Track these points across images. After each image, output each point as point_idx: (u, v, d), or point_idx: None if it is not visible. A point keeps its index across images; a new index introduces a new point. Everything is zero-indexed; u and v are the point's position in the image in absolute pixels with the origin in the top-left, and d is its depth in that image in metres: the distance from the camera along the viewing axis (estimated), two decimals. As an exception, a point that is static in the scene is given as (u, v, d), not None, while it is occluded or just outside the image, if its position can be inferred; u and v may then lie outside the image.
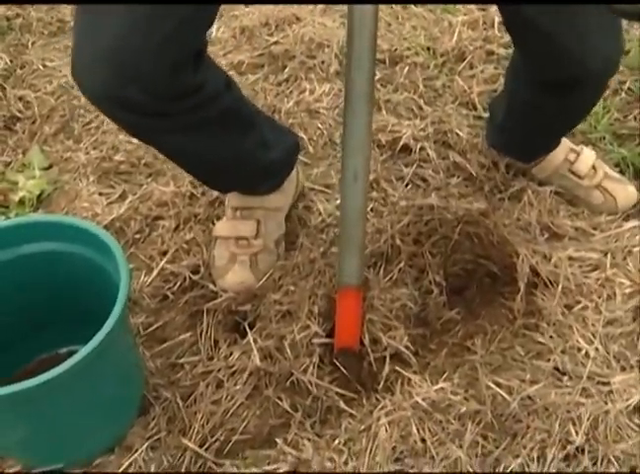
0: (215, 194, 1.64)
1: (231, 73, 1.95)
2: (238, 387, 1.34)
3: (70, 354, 1.38)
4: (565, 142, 1.67)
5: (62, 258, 1.29)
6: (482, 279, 1.50)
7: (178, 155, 1.37)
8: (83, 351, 1.10)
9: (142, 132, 1.26)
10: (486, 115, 1.82)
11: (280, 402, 1.33)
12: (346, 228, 1.30)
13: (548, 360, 1.38)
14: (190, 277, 1.50)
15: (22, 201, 1.66)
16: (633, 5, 0.89)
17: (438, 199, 1.57)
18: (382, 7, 2.24)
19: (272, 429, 1.31)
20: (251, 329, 1.41)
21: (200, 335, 1.42)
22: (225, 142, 1.34)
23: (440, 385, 1.34)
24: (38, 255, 1.29)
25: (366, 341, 1.38)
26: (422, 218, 1.53)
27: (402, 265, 1.47)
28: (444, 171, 1.71)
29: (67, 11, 2.21)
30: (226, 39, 2.12)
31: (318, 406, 1.33)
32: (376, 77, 1.97)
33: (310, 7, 2.23)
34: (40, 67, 2.03)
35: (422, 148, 1.76)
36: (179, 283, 1.49)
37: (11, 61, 2.04)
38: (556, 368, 1.37)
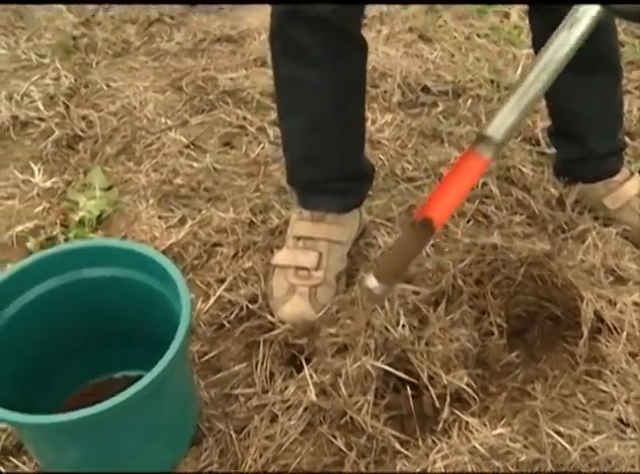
0: (275, 222, 1.64)
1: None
2: (292, 422, 1.33)
3: (125, 379, 1.39)
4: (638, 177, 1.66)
5: (120, 283, 1.29)
6: (544, 322, 1.47)
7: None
8: (146, 378, 1.10)
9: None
10: (550, 150, 1.80)
11: (334, 440, 1.31)
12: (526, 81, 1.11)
13: (611, 410, 1.34)
14: (247, 307, 1.49)
15: (82, 222, 1.67)
16: (632, 5, 0.90)
17: (501, 239, 1.54)
18: (446, 37, 2.24)
19: (325, 467, 1.29)
20: (307, 362, 1.39)
21: (256, 366, 1.41)
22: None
23: (499, 431, 1.31)
24: (96, 279, 1.29)
25: (424, 377, 1.36)
26: (484, 258, 1.50)
27: (463, 305, 1.44)
28: (507, 208, 1.69)
29: (132, 31, 2.24)
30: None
31: (373, 446, 1.31)
32: (439, 109, 1.97)
33: (373, 34, 2.23)
34: (104, 87, 2.05)
35: (484, 184, 1.74)
36: (236, 312, 1.49)
37: (75, 80, 2.06)
38: (620, 419, 1.33)
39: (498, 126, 1.08)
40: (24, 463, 1.29)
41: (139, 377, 1.33)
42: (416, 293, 1.47)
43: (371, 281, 1.13)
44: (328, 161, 1.49)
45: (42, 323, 1.29)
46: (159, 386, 1.12)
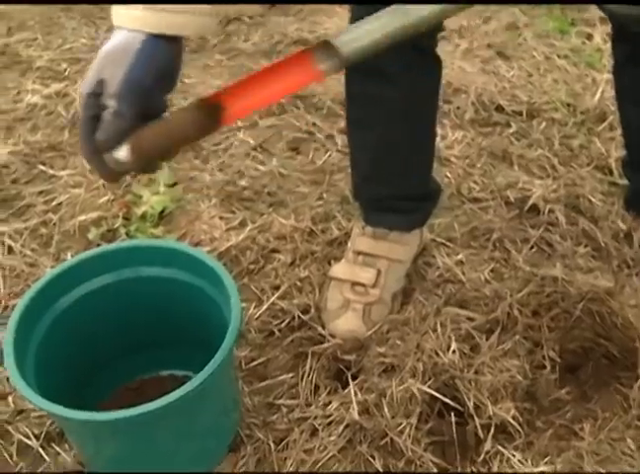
0: (335, 233, 1.63)
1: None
2: (332, 438, 1.32)
3: (172, 377, 1.40)
4: None
5: (175, 284, 1.30)
6: (599, 361, 1.43)
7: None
8: (193, 382, 1.10)
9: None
10: (622, 182, 1.75)
11: (372, 460, 1.30)
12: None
13: (661, 459, 1.30)
14: (299, 316, 1.48)
15: (144, 216, 1.69)
16: (632, 7, 0.87)
17: (562, 271, 1.51)
18: (525, 56, 2.19)
19: (361, 487, 1.29)
20: (353, 379, 1.38)
21: (302, 378, 1.40)
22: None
23: (541, 468, 1.28)
24: (152, 278, 1.30)
25: (470, 405, 1.34)
26: (544, 289, 1.47)
27: (517, 335, 1.41)
28: (572, 238, 1.65)
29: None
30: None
31: (411, 470, 1.30)
32: (511, 130, 1.93)
33: (450, 48, 2.20)
34: (178, 82, 2.05)
35: (551, 211, 1.70)
36: (287, 321, 1.48)
37: (151, 73, 2.07)
38: (669, 470, 1.29)
39: (350, 41, 0.89)
40: (65, 451, 1.31)
41: (186, 377, 1.36)
42: (470, 319, 1.45)
43: (123, 153, 0.90)
44: (395, 179, 1.47)
45: (97, 316, 1.30)
46: (205, 389, 1.12)
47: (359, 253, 1.51)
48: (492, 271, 1.57)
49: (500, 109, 1.98)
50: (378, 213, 1.51)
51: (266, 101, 0.93)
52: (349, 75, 1.43)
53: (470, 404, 1.35)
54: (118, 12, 0.91)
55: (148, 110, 0.91)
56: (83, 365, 1.32)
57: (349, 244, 1.55)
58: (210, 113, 0.89)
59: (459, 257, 1.60)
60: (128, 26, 0.90)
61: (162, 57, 0.92)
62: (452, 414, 1.35)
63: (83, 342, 1.31)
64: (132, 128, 0.89)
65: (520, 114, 1.96)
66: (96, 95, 0.91)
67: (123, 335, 1.35)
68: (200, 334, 1.32)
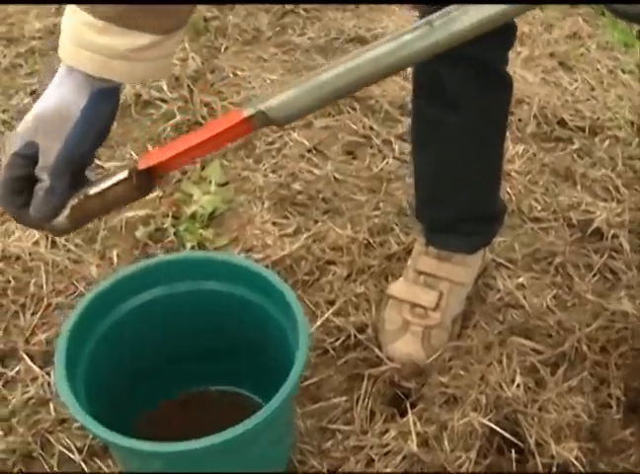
0: (394, 247, 1.55)
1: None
2: (389, 470, 1.24)
3: (220, 392, 1.33)
4: None
5: (234, 299, 1.23)
6: (665, 402, 1.36)
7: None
8: (265, 410, 1.03)
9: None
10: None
11: (429, 496, 1.23)
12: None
13: None
14: (355, 335, 1.41)
15: (193, 216, 1.61)
16: (634, 6, 0.83)
17: (632, 306, 1.43)
18: (588, 68, 2.10)
19: (417, 523, 1.22)
20: (412, 407, 1.31)
21: (357, 402, 1.32)
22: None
23: (605, 515, 1.22)
24: (211, 292, 1.22)
25: (532, 442, 1.27)
26: (613, 324, 1.39)
27: (585, 372, 1.34)
28: (637, 267, 1.57)
29: (265, 20, 2.15)
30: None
31: (470, 510, 1.23)
32: (574, 147, 1.84)
33: (512, 56, 2.10)
34: (230, 75, 1.97)
35: (615, 236, 1.62)
36: (342, 339, 1.40)
37: (202, 64, 1.99)
38: None
39: (280, 107, 0.87)
40: (108, 466, 1.25)
41: (236, 394, 1.30)
42: (535, 351, 1.37)
43: (59, 220, 0.91)
44: (461, 201, 1.39)
45: (149, 327, 1.23)
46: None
47: (420, 273, 1.43)
48: (554, 297, 1.49)
49: (562, 123, 1.88)
50: (442, 235, 1.42)
51: (192, 153, 0.92)
52: (416, 95, 1.35)
53: (532, 441, 1.28)
54: (64, 47, 0.86)
55: (80, 171, 0.90)
56: (130, 375, 1.25)
57: (409, 262, 1.47)
58: (142, 179, 0.90)
59: (520, 280, 1.51)
60: (74, 65, 0.85)
61: (103, 119, 0.89)
62: (513, 450, 1.29)
63: (133, 352, 1.24)
64: (66, 199, 0.89)
65: (583, 130, 1.87)
66: (24, 157, 0.87)
67: (173, 346, 1.27)
68: (256, 352, 1.25)
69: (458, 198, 1.38)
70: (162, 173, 0.93)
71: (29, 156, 0.87)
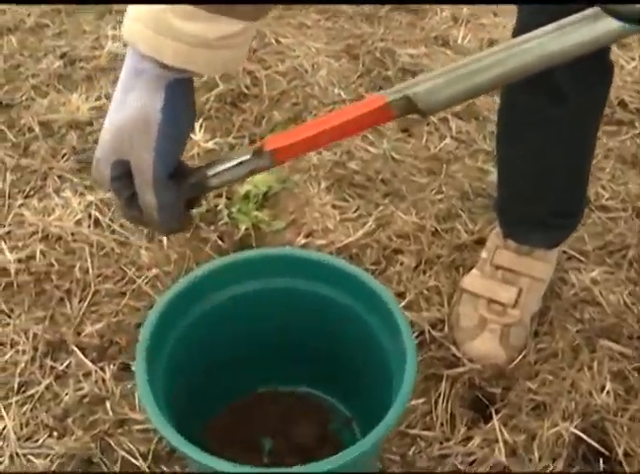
0: (463, 236, 1.43)
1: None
2: (476, 480, 1.15)
3: (292, 393, 1.22)
4: None
5: (320, 299, 1.11)
6: None
7: None
8: (358, 447, 0.91)
9: None
10: None
11: (517, 508, 1.14)
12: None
13: None
14: (429, 332, 1.30)
15: (247, 196, 1.48)
16: (629, 5, 0.77)
17: None
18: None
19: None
20: (496, 413, 1.21)
21: (435, 405, 1.22)
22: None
23: None
24: (298, 291, 1.10)
25: (620, 452, 1.18)
26: None
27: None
28: None
29: (305, -17, 2.00)
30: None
31: (557, 523, 1.14)
32: (637, 131, 1.73)
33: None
34: (273, 42, 1.83)
35: None
36: (416, 335, 1.29)
37: (243, 28, 1.84)
38: None
39: (430, 96, 0.77)
40: (174, 473, 1.14)
41: (309, 394, 1.19)
42: (622, 355, 1.28)
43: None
44: (552, 196, 1.27)
45: (227, 326, 1.11)
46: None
47: (498, 267, 1.32)
48: (630, 294, 1.40)
49: (623, 105, 1.78)
50: (525, 229, 1.31)
51: (323, 142, 0.82)
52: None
53: (620, 451, 1.19)
54: (141, 35, 0.73)
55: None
56: (206, 374, 1.13)
57: (484, 254, 1.36)
58: (264, 160, 0.80)
59: (593, 274, 1.41)
60: (153, 54, 0.73)
61: (184, 113, 0.78)
62: (601, 460, 1.20)
63: (207, 352, 1.12)
64: (180, 203, 0.80)
65: (645, 112, 1.77)
66: (119, 178, 0.77)
67: (247, 346, 1.16)
68: (337, 354, 1.14)
69: (550, 193, 1.27)
70: (286, 157, 0.81)
71: (123, 175, 0.76)
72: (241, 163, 0.80)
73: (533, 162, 1.25)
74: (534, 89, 1.17)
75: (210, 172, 0.80)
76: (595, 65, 1.17)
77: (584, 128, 1.24)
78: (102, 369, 1.24)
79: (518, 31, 1.15)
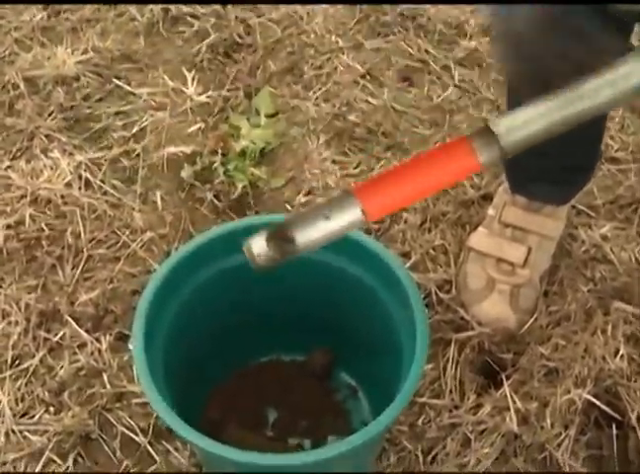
0: (469, 192, 1.35)
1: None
2: (486, 450, 1.09)
3: (293, 362, 1.16)
4: None
5: (331, 270, 1.04)
6: None
7: None
8: (369, 430, 0.85)
9: None
10: None
11: (529, 476, 1.09)
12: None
13: None
14: (436, 293, 1.23)
15: (243, 152, 1.39)
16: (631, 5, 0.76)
17: None
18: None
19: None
20: (506, 379, 1.15)
21: (444, 371, 1.16)
22: None
23: None
24: (311, 262, 1.03)
25: (633, 417, 1.12)
26: None
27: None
28: None
29: None
30: None
31: (569, 490, 1.09)
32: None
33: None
34: (267, -14, 1.71)
35: None
36: (422, 298, 1.23)
37: (234, -27, 1.72)
38: None
39: (512, 128, 0.70)
40: (177, 449, 1.08)
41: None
42: (636, 317, 1.21)
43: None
44: (564, 149, 1.18)
45: (229, 294, 1.05)
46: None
47: (506, 225, 1.25)
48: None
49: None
50: (535, 184, 1.23)
51: (414, 198, 0.74)
52: None
53: (633, 416, 1.13)
54: None
55: None
56: (206, 345, 1.07)
57: (490, 211, 1.28)
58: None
59: (603, 231, 1.34)
60: None
61: None
62: (614, 425, 1.14)
63: (210, 319, 1.06)
64: None
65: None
66: None
67: (251, 314, 1.09)
68: (344, 323, 1.08)
69: (564, 146, 1.18)
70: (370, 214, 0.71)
71: None
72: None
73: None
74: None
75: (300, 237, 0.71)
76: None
77: None
78: (97, 340, 1.17)
79: None
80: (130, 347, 1.06)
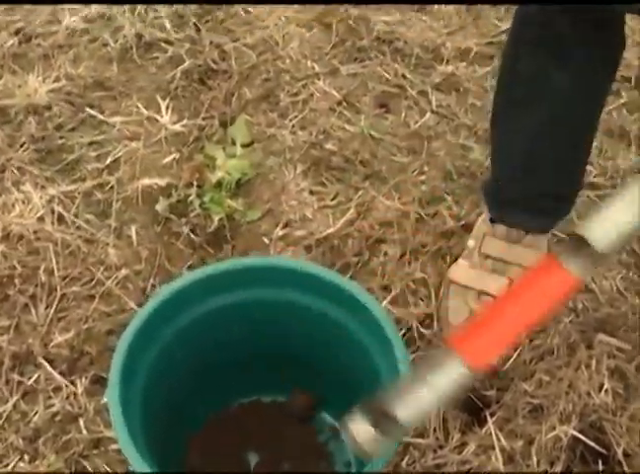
0: (448, 222, 1.33)
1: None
2: (472, 491, 1.07)
3: (274, 404, 1.12)
4: None
5: (311, 312, 1.01)
6: None
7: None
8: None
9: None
10: None
11: (514, 517, 1.06)
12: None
13: None
14: (417, 329, 1.21)
15: (219, 184, 1.36)
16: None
17: None
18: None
19: None
20: (491, 416, 1.13)
21: (427, 408, 1.14)
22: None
23: None
24: (289, 303, 1.00)
25: (619, 452, 1.10)
26: None
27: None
28: None
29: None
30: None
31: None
32: (622, 100, 1.62)
33: None
34: (241, 12, 1.68)
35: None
36: (403, 333, 1.20)
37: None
38: None
39: (604, 231, 0.65)
40: None
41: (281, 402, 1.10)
42: (619, 350, 1.19)
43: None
44: (549, 175, 1.16)
45: (209, 338, 1.02)
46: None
47: (487, 256, 1.23)
48: (623, 279, 1.31)
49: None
50: (516, 213, 1.21)
51: (518, 334, 0.68)
52: (512, 45, 1.11)
53: (619, 450, 1.11)
54: None
55: None
56: (187, 386, 1.03)
57: (470, 242, 1.26)
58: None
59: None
60: None
61: None
62: (600, 461, 1.12)
63: (191, 362, 1.02)
64: None
65: (629, 80, 1.65)
66: None
67: (230, 356, 1.06)
68: (325, 366, 1.05)
69: (547, 173, 1.16)
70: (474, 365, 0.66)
71: None
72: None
73: (533, 136, 1.13)
74: (538, 47, 1.07)
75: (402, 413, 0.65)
76: (601, 31, 1.06)
77: (587, 100, 1.12)
78: (73, 383, 1.13)
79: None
80: (105, 399, 1.02)
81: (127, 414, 0.87)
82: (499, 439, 1.10)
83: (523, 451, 1.09)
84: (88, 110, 1.47)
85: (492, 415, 1.13)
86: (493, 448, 1.09)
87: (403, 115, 1.53)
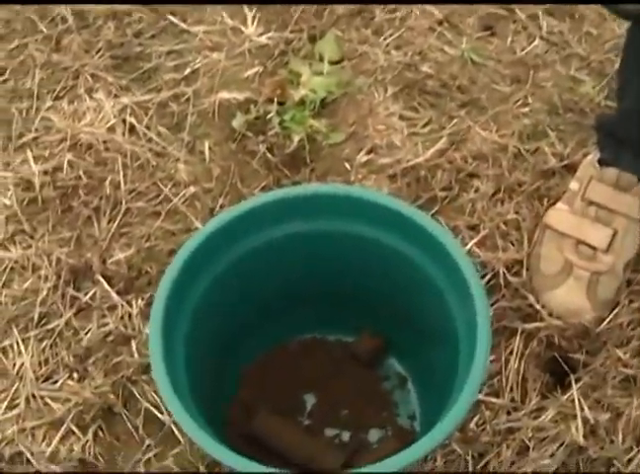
0: (550, 161, 1.17)
1: None
2: (545, 461, 0.94)
3: (338, 342, 1.02)
4: None
5: (375, 244, 0.89)
6: None
7: None
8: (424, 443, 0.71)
9: None
10: None
11: (589, 496, 0.93)
12: None
13: None
14: (504, 275, 1.07)
15: (302, 101, 1.23)
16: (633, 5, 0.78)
17: None
18: None
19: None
20: (576, 382, 0.99)
21: (506, 364, 1.01)
22: None
23: None
24: (355, 236, 0.89)
25: None
26: None
27: None
28: None
29: None
30: None
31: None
32: None
33: None
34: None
35: None
36: (487, 279, 1.06)
37: None
38: None
39: None
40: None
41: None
42: None
43: None
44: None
45: (266, 270, 0.92)
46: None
47: (591, 203, 1.07)
48: None
49: None
50: (633, 156, 1.05)
51: None
52: None
53: None
54: None
55: None
56: (242, 318, 0.95)
57: (574, 185, 1.10)
58: None
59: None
60: None
61: None
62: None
63: (248, 293, 0.93)
64: None
65: None
66: None
67: (293, 289, 0.96)
68: (396, 308, 0.93)
69: None
70: None
71: None
72: None
73: None
74: None
75: None
76: None
77: None
78: (128, 303, 1.05)
79: None
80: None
81: (169, 350, 0.79)
82: (582, 409, 0.96)
83: (608, 425, 0.95)
84: (170, 17, 1.36)
85: (577, 380, 0.98)
86: (574, 418, 0.96)
87: (509, 39, 1.35)
